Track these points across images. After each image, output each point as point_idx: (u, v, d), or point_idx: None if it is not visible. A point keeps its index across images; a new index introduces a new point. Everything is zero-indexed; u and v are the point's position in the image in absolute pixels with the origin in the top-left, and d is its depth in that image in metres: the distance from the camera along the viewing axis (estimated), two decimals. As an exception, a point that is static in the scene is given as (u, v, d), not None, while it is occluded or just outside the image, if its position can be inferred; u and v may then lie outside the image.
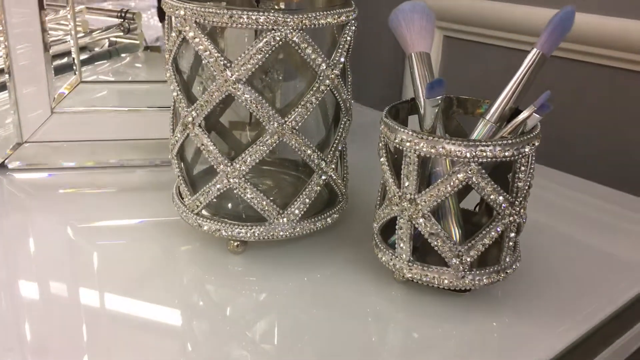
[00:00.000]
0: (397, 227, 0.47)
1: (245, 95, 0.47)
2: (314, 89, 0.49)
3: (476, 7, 0.84)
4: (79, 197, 0.65)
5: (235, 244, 0.53)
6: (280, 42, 0.46)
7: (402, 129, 0.44)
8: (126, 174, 0.69)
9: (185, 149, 0.54)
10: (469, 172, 0.43)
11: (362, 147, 0.65)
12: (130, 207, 0.62)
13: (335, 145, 0.53)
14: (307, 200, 0.52)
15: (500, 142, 0.42)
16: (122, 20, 0.92)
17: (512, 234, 0.46)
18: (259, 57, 0.46)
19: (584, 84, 0.76)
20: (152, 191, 0.65)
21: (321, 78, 0.49)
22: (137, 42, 0.88)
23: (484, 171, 0.43)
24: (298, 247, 0.55)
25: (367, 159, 0.62)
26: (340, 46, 0.50)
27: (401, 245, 0.47)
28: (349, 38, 0.50)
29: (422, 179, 0.47)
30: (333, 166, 0.53)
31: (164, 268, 0.53)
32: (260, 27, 0.46)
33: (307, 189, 0.52)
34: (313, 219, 0.53)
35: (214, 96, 0.48)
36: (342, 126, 0.54)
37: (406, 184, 0.45)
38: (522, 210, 0.46)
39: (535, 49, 0.46)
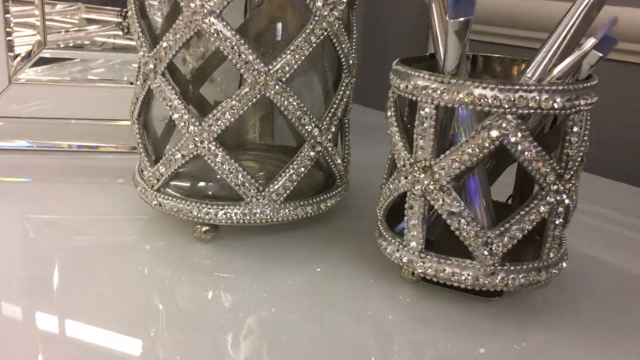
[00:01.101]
0: (406, 206, 0.36)
1: (220, 30, 0.37)
2: (307, 31, 0.39)
3: (484, 2, 0.73)
4: (34, 186, 0.55)
5: (204, 229, 0.42)
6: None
7: (416, 73, 0.34)
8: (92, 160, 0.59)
9: (150, 110, 0.44)
10: (505, 127, 0.32)
11: (363, 146, 0.54)
12: (95, 197, 0.52)
13: (333, 109, 0.42)
14: (295, 177, 0.41)
15: (548, 88, 0.31)
16: (121, 19, 0.83)
17: (559, 220, 0.35)
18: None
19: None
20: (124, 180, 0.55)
21: (317, 18, 0.39)
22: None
23: (524, 127, 0.32)
24: (284, 238, 0.44)
25: (368, 158, 0.52)
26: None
27: (412, 231, 0.36)
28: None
29: (440, 146, 0.36)
30: (330, 137, 0.42)
31: (120, 263, 0.42)
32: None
33: (295, 162, 0.41)
34: (302, 202, 0.42)
35: (179, 35, 0.38)
36: (342, 87, 0.43)
37: (420, 144, 0.34)
38: (572, 189, 0.35)
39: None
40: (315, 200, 0.43)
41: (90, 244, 0.43)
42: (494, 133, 0.32)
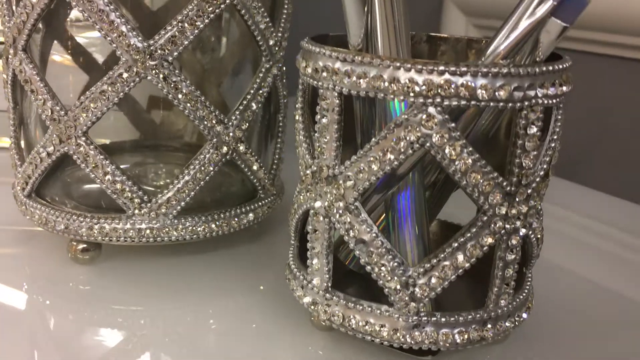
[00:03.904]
0: (309, 229, 0.27)
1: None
2: (195, 2, 0.30)
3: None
4: None
5: (80, 247, 0.33)
6: None
7: (317, 50, 0.25)
8: None
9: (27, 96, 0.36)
10: (427, 125, 0.22)
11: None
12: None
13: (246, 101, 0.34)
14: (192, 185, 0.32)
15: (487, 70, 0.22)
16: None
17: (511, 256, 0.25)
18: None
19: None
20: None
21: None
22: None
23: (453, 126, 0.23)
24: (186, 262, 0.35)
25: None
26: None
27: (315, 262, 0.27)
28: None
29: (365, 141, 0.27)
30: (241, 136, 0.33)
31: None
32: None
33: (192, 167, 0.32)
34: (206, 217, 0.33)
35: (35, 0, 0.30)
36: (261, 74, 0.34)
37: (322, 147, 0.25)
38: (531, 215, 0.25)
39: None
40: (225, 215, 0.34)
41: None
42: (412, 133, 0.23)
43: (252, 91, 0.34)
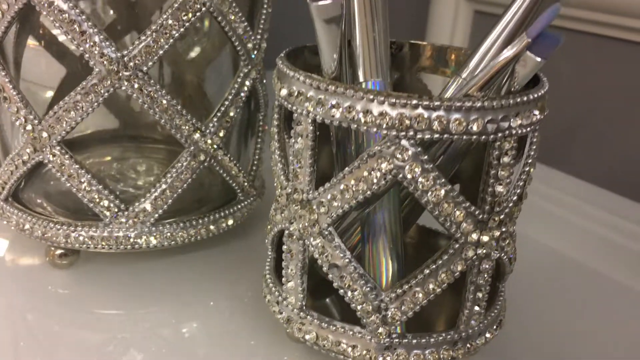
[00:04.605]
0: (284, 248, 0.27)
1: (52, 0, 0.28)
2: (176, 5, 0.29)
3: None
4: None
5: (58, 252, 0.34)
6: None
7: (292, 74, 0.24)
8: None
9: None
10: (399, 157, 0.22)
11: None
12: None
13: (224, 108, 0.33)
14: (170, 193, 0.32)
15: (460, 104, 0.22)
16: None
17: (482, 279, 0.25)
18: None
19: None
20: None
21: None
22: None
23: (426, 158, 0.23)
24: (165, 265, 0.36)
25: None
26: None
27: (290, 281, 0.27)
28: None
29: (342, 166, 0.27)
30: (219, 142, 0.33)
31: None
32: None
33: (169, 175, 0.32)
34: (184, 224, 0.33)
35: (4, 5, 0.29)
36: (239, 79, 0.34)
37: (296, 171, 0.25)
38: (504, 239, 0.25)
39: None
40: (203, 220, 0.34)
41: None
42: (385, 165, 0.23)
43: (230, 97, 0.33)
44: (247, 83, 0.34)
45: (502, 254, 0.25)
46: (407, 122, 0.22)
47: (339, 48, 0.24)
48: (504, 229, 0.25)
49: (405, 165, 0.22)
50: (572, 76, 0.56)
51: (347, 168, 0.23)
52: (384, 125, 0.22)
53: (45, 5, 0.28)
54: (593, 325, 0.33)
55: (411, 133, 0.22)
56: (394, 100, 0.22)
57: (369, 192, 0.23)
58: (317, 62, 0.26)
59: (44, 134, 0.30)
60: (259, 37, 0.34)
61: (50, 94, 0.39)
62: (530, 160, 0.25)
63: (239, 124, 0.37)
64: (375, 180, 0.23)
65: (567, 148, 0.57)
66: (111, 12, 0.40)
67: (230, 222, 0.35)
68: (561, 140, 0.57)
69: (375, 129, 0.22)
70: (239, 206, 0.36)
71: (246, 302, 0.33)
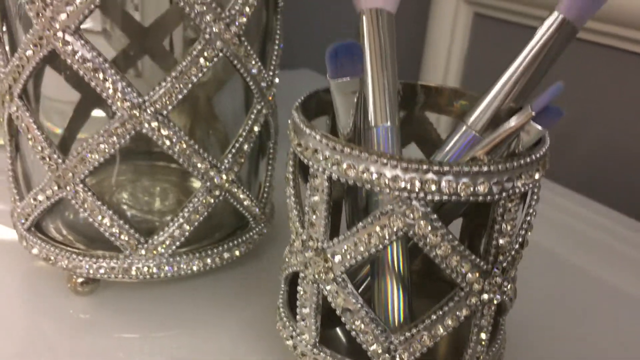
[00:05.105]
0: (299, 289, 0.29)
1: (76, 50, 0.29)
2: (195, 52, 0.31)
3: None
4: None
5: (79, 280, 0.35)
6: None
7: (308, 131, 0.26)
8: None
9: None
10: (410, 216, 0.24)
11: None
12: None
13: (238, 144, 0.35)
14: (187, 226, 0.34)
15: (468, 169, 0.23)
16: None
17: (485, 321, 0.27)
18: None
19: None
20: None
21: (207, 37, 0.31)
22: None
23: (435, 218, 0.24)
24: (180, 291, 0.37)
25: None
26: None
27: (305, 319, 0.29)
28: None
29: (354, 214, 0.29)
30: (232, 177, 0.35)
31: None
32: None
33: (186, 210, 0.34)
34: (200, 253, 0.35)
35: (29, 52, 0.30)
36: (253, 116, 0.35)
37: (312, 221, 0.26)
38: (506, 284, 0.27)
39: (556, 13, 0.27)
40: (217, 249, 0.36)
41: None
42: (397, 223, 0.24)
43: (244, 133, 0.35)
44: (261, 120, 0.35)
45: (504, 297, 0.27)
46: (418, 184, 0.23)
47: (353, 113, 0.25)
48: (507, 276, 0.26)
49: (416, 223, 0.24)
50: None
51: (360, 223, 0.25)
52: (397, 188, 0.24)
53: (71, 55, 0.29)
54: (593, 333, 0.35)
55: (422, 195, 0.23)
56: (405, 165, 0.23)
57: (380, 246, 0.25)
58: (329, 99, 0.27)
59: (69, 174, 0.32)
60: (271, 74, 0.35)
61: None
62: (531, 210, 0.27)
63: (250, 154, 0.38)
64: (387, 236, 0.24)
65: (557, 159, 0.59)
66: (123, 38, 0.41)
67: (243, 249, 0.37)
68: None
69: (388, 191, 0.24)
70: (251, 233, 0.37)
71: (257, 327, 0.34)
